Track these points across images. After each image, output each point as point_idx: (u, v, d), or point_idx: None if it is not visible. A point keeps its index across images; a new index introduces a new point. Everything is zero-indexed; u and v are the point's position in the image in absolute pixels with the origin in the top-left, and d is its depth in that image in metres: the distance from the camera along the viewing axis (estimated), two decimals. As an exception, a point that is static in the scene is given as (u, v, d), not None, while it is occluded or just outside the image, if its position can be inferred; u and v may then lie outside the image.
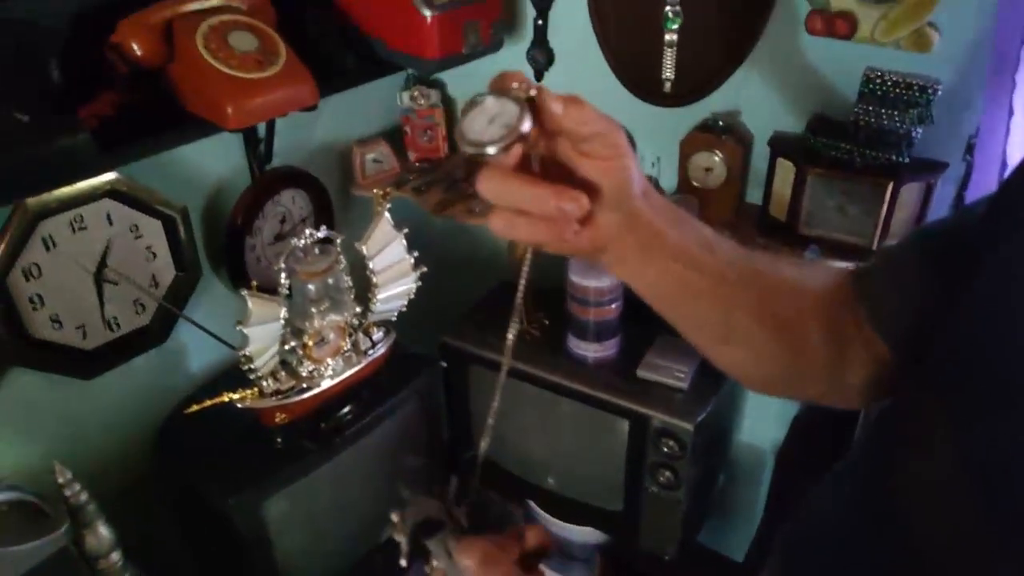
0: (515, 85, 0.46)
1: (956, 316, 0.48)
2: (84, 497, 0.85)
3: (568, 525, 1.40)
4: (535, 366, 1.27)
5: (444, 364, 1.31)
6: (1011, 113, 0.99)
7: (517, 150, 0.45)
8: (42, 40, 0.94)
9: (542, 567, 0.63)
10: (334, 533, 1.24)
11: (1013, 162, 1.01)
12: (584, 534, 1.40)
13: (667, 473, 1.18)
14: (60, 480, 0.83)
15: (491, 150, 0.44)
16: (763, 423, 1.50)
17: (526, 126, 0.44)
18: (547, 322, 1.34)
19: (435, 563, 0.57)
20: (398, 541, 0.61)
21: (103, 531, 0.87)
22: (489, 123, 0.44)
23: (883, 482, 0.49)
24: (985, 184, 1.05)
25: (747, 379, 0.66)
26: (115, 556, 0.90)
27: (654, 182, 1.37)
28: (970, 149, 1.08)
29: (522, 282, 0.52)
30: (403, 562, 0.61)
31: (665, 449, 1.16)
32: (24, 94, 0.88)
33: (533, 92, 0.46)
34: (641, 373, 1.21)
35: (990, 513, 0.39)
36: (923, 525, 0.44)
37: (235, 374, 1.10)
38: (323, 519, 1.20)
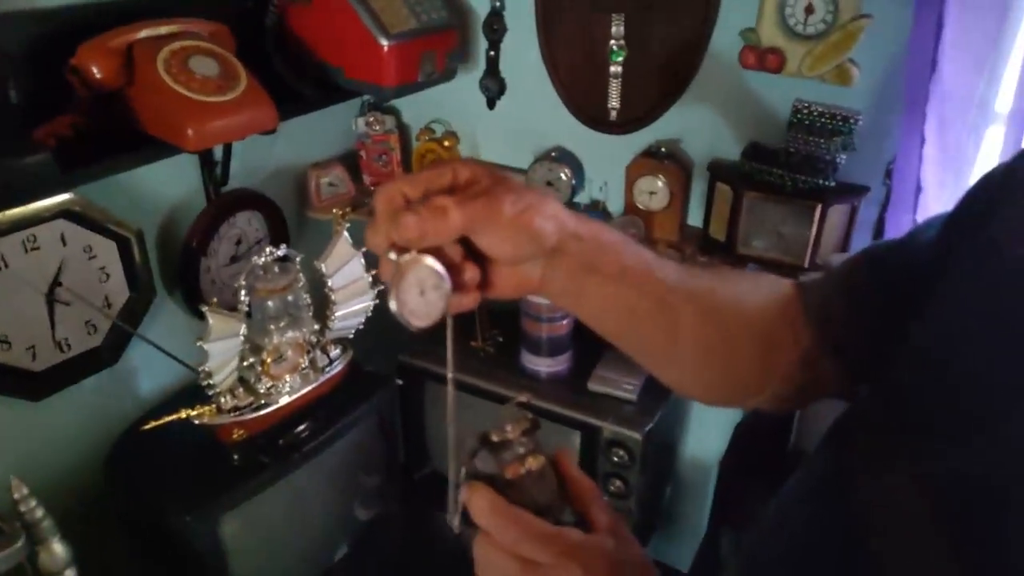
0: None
1: (911, 342, 0.51)
2: (40, 513, 0.84)
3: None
4: (489, 381, 1.30)
5: (400, 382, 1.34)
6: (923, 142, 1.08)
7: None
8: (2, 62, 0.95)
9: None
10: (290, 551, 1.24)
11: (927, 186, 1.11)
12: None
13: (618, 482, 1.22)
14: (16, 496, 0.83)
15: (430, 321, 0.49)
16: (708, 436, 1.56)
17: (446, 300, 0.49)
18: (501, 339, 1.38)
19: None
20: None
21: (58, 548, 0.87)
22: (420, 294, 0.48)
23: (842, 497, 0.51)
24: (903, 206, 1.14)
25: (687, 393, 0.69)
26: (69, 574, 0.89)
27: (602, 206, 1.44)
28: (889, 174, 1.17)
29: (449, 334, 0.53)
30: None
31: (615, 459, 1.20)
32: (-16, 114, 0.89)
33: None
34: (592, 386, 1.26)
35: (945, 536, 0.41)
36: (881, 542, 0.46)
37: (187, 396, 1.11)
38: (280, 537, 1.21)
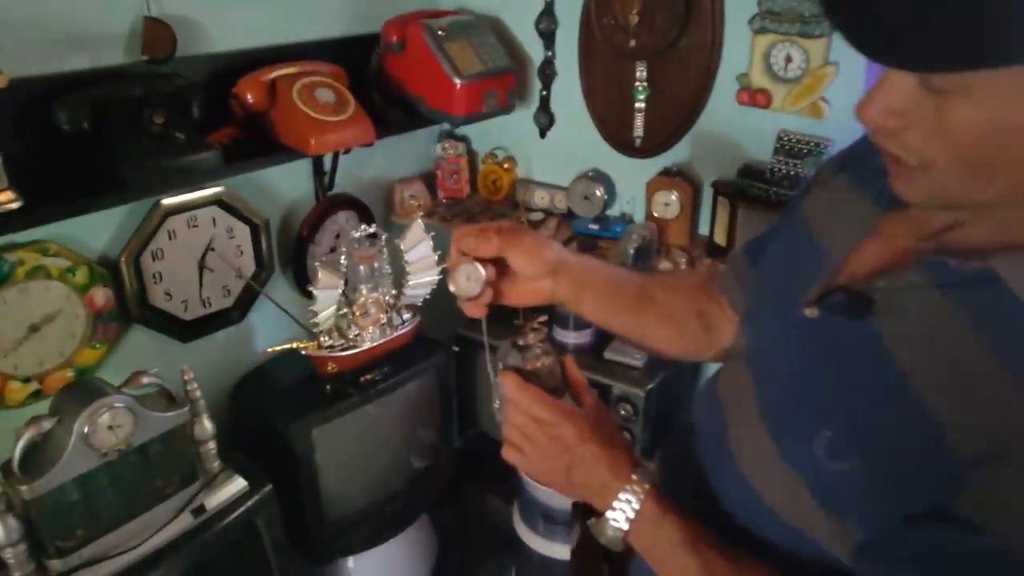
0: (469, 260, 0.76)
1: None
2: (198, 394, 1.20)
3: (550, 491, 1.70)
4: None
5: (456, 349, 1.66)
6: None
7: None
8: (189, 89, 1.36)
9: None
10: (360, 471, 1.56)
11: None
12: (565, 500, 1.70)
13: (625, 434, 1.50)
14: (185, 377, 1.19)
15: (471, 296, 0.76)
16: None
17: (484, 283, 0.76)
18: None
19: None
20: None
21: (207, 423, 1.22)
22: (467, 278, 0.76)
23: (715, 383, 0.78)
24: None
25: (655, 352, 0.95)
26: (212, 444, 1.24)
27: (628, 216, 1.75)
28: (855, 190, 1.44)
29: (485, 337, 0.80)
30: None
31: (623, 412, 1.48)
32: (180, 122, 1.29)
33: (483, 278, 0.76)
34: (607, 355, 1.55)
35: (756, 389, 0.68)
36: (728, 414, 0.73)
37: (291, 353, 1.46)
38: (354, 456, 1.54)
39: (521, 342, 0.75)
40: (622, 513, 0.67)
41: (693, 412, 0.83)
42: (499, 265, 0.78)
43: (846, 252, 0.64)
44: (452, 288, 0.77)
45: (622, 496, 0.68)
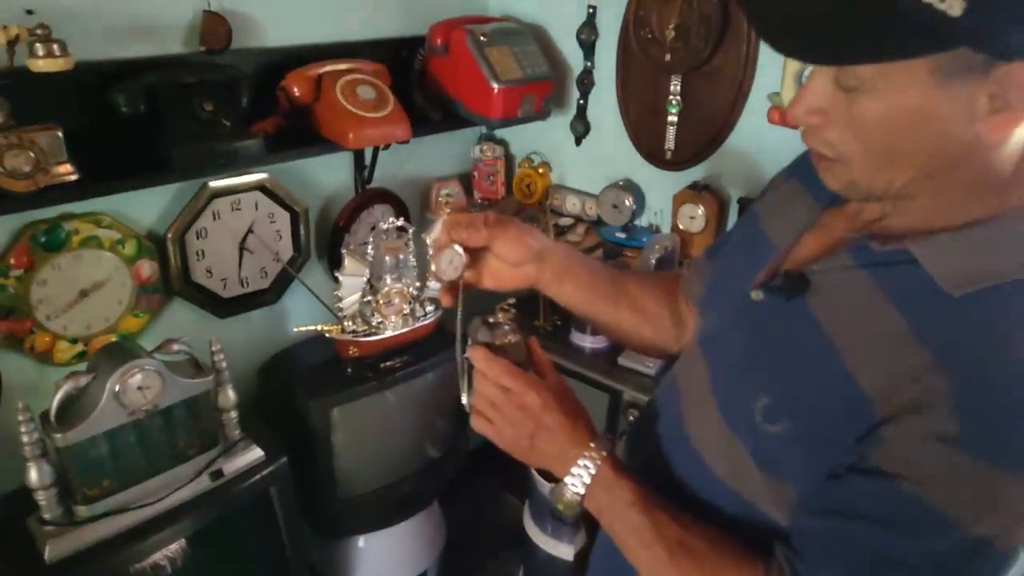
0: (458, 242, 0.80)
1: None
2: (224, 364, 1.28)
3: (560, 491, 1.74)
4: (546, 352, 1.64)
5: (477, 344, 1.71)
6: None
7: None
8: (240, 79, 1.45)
9: None
10: (377, 454, 1.62)
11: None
12: (572, 501, 1.73)
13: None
14: (213, 348, 1.27)
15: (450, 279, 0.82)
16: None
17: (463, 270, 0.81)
18: (559, 323, 1.73)
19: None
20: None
21: (230, 393, 1.30)
22: (449, 263, 0.81)
23: (673, 368, 0.84)
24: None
25: (629, 344, 0.99)
26: (233, 413, 1.32)
27: (655, 227, 1.77)
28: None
29: (459, 311, 0.84)
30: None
31: (631, 418, 1.51)
32: (229, 111, 1.38)
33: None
34: (621, 361, 1.58)
35: (709, 371, 0.74)
36: (682, 379, 0.79)
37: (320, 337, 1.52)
38: (372, 438, 1.60)
39: (491, 319, 0.79)
40: (579, 478, 0.71)
41: (655, 396, 0.88)
42: (483, 253, 0.83)
43: (790, 243, 0.71)
44: (433, 269, 0.81)
45: (580, 462, 0.72)
